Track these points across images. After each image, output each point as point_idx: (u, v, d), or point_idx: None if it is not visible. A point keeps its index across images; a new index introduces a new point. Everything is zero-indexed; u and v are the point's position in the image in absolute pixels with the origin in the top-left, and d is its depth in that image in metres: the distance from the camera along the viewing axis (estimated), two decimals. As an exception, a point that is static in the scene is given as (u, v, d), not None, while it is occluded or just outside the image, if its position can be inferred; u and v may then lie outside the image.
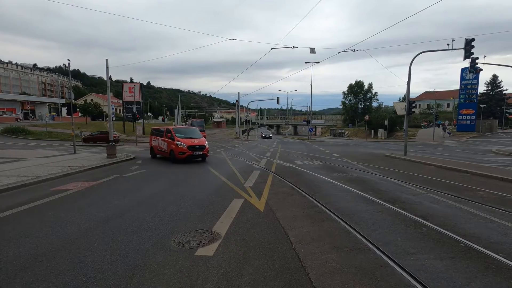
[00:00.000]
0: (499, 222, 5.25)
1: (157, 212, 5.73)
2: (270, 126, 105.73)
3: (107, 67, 18.06)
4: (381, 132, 50.15)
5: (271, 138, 51.63)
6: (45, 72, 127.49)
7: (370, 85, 71.39)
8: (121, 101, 50.45)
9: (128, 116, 42.18)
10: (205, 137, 16.63)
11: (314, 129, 66.48)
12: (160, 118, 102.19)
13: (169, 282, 3.17)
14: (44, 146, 26.03)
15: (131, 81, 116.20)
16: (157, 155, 16.10)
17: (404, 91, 73.82)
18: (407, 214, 5.69)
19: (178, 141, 13.88)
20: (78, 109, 55.44)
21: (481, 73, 42.17)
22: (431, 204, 6.51)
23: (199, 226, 4.94)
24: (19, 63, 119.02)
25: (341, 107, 78.05)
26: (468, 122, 43.13)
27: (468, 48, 16.00)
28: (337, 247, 4.13)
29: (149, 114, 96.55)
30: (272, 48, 22.51)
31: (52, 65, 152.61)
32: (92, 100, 79.51)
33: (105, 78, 24.76)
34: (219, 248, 4.07)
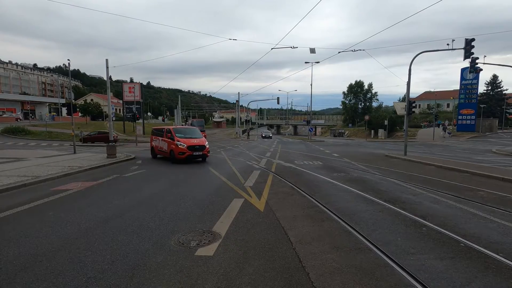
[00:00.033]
0: (499, 222, 5.25)
1: (157, 212, 5.73)
2: (270, 126, 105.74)
3: (107, 67, 18.07)
4: (381, 132, 50.15)
5: (271, 138, 51.63)
6: (45, 72, 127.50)
7: (370, 85, 71.44)
8: (121, 101, 50.44)
9: (128, 116, 42.18)
10: (205, 137, 16.58)
11: (314, 129, 66.48)
12: (160, 118, 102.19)
13: (169, 282, 3.17)
14: (44, 146, 26.03)
15: (131, 81, 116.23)
16: (158, 155, 16.04)
17: (404, 91, 73.77)
18: (407, 214, 5.69)
19: (178, 141, 13.78)
20: (78, 109, 55.43)
21: (481, 73, 42.20)
22: (431, 204, 6.51)
23: (199, 226, 4.94)
24: (19, 63, 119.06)
25: (341, 107, 78.05)
26: (468, 122, 43.13)
27: (468, 48, 16.00)
28: (337, 247, 4.13)
29: (149, 114, 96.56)
30: (272, 48, 22.53)
31: (52, 65, 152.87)
32: (92, 100, 79.50)
33: (105, 78, 24.77)
34: (219, 248, 4.07)
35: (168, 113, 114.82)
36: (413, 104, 22.71)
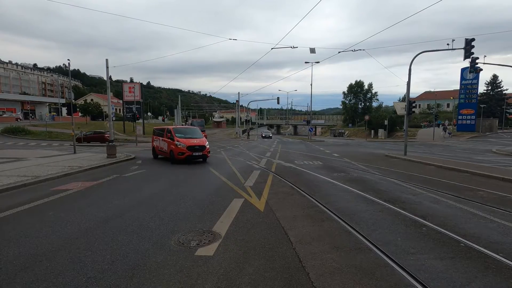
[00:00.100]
0: (499, 222, 5.25)
1: (157, 212, 5.73)
2: (270, 126, 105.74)
3: (107, 67, 18.07)
4: (381, 132, 50.16)
5: (271, 138, 51.64)
6: (45, 72, 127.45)
7: (370, 85, 71.44)
8: (121, 101, 50.41)
9: (128, 116, 42.15)
10: (206, 137, 16.51)
11: (314, 129, 66.49)
12: (160, 118, 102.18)
13: (169, 282, 3.17)
14: (44, 146, 26.03)
15: (131, 81, 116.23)
16: (159, 156, 15.89)
17: (404, 91, 73.79)
18: (407, 214, 5.69)
19: (178, 141, 13.63)
20: (78, 109, 55.40)
21: (481, 73, 42.23)
22: (431, 204, 6.51)
23: (199, 226, 4.95)
24: (19, 63, 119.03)
25: (341, 107, 78.04)
26: (468, 122, 43.13)
27: (468, 48, 16.01)
28: (337, 247, 4.13)
29: (149, 114, 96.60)
30: (272, 48, 22.54)
31: (52, 65, 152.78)
32: (92, 100, 79.55)
33: (105, 78, 24.77)
34: (219, 248, 4.07)
35: (168, 113, 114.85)
36: (413, 104, 22.72)
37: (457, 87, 45.37)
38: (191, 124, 39.62)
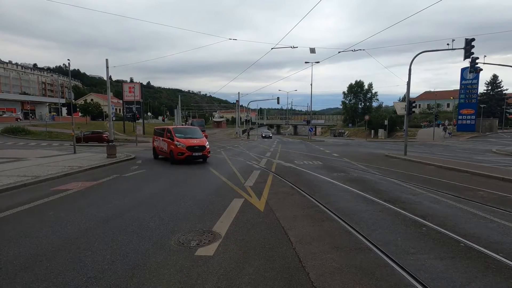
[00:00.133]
0: (499, 222, 5.25)
1: (157, 212, 5.74)
2: (270, 126, 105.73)
3: (107, 67, 18.08)
4: (381, 132, 50.16)
5: (271, 138, 51.65)
6: (45, 72, 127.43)
7: (370, 85, 71.45)
8: (121, 101, 50.41)
9: (128, 116, 42.14)
10: (206, 137, 16.43)
11: (314, 129, 66.49)
12: (160, 118, 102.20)
13: (169, 282, 3.17)
14: (44, 146, 26.02)
15: (131, 81, 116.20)
16: (159, 156, 15.75)
17: (404, 91, 73.87)
18: (407, 214, 5.69)
19: (177, 141, 13.49)
20: (78, 109, 55.38)
21: (481, 73, 42.23)
22: (431, 204, 6.51)
23: (199, 226, 4.95)
24: (19, 63, 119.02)
25: (341, 107, 78.05)
26: (468, 122, 43.14)
27: (468, 48, 16.00)
28: (337, 247, 4.13)
29: (149, 114, 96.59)
30: (272, 48, 22.55)
31: (52, 65, 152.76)
32: (92, 100, 79.55)
33: (105, 78, 24.78)
34: (219, 248, 4.07)
35: (168, 113, 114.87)
36: (413, 104, 22.72)
37: (457, 87, 45.40)
38: (191, 124, 39.64)
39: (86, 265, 3.54)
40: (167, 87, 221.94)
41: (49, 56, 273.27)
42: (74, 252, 3.89)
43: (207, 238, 4.40)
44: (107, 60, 17.96)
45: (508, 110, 60.97)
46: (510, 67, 23.58)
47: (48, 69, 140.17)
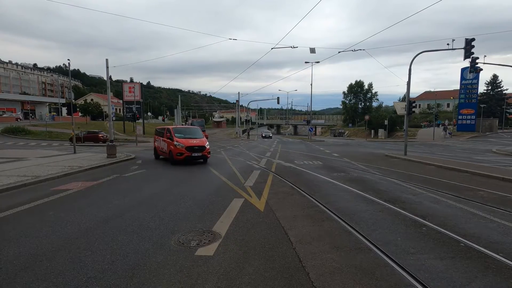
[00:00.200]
0: (499, 222, 5.25)
1: (157, 212, 5.74)
2: (270, 126, 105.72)
3: (107, 67, 18.07)
4: (381, 132, 50.16)
5: (271, 138, 51.65)
6: (45, 72, 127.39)
7: (370, 85, 71.39)
8: (121, 101, 50.45)
9: (128, 116, 42.17)
10: (206, 137, 16.25)
11: (314, 129, 66.49)
12: (160, 118, 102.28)
13: (169, 282, 3.17)
14: (44, 146, 26.04)
15: (131, 81, 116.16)
16: (160, 156, 15.42)
17: (404, 90, 73.87)
18: (407, 214, 5.69)
19: (177, 141, 13.29)
20: (78, 109, 55.42)
21: (481, 73, 42.25)
22: (431, 204, 6.51)
23: (199, 226, 4.95)
24: (19, 63, 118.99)
25: (341, 107, 78.01)
26: (468, 122, 43.14)
27: (468, 48, 16.00)
28: (337, 247, 4.13)
29: (149, 114, 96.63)
30: (272, 48, 22.54)
31: (52, 65, 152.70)
32: (92, 100, 79.58)
33: (105, 78, 24.78)
34: (219, 248, 4.07)
35: (168, 113, 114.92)
36: (413, 104, 22.73)
37: (457, 87, 45.40)
38: (191, 124, 39.60)
39: (86, 265, 3.54)
40: (167, 87, 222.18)
41: (49, 56, 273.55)
42: (74, 252, 3.89)
43: (207, 238, 4.40)
44: (107, 60, 17.96)
45: (508, 110, 60.96)
46: (510, 67, 23.58)
47: (48, 69, 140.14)
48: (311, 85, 44.02)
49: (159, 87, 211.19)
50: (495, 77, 61.60)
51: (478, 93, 47.26)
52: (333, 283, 3.17)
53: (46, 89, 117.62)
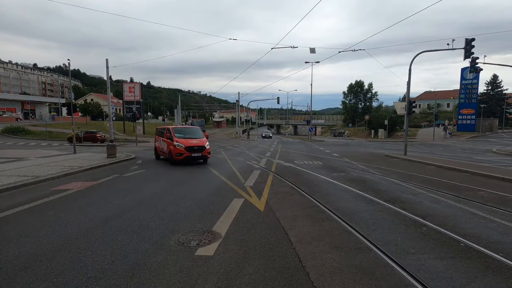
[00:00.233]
0: (499, 222, 5.25)
1: (157, 212, 5.74)
2: (270, 126, 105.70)
3: (107, 67, 18.07)
4: (381, 132, 50.16)
5: (271, 138, 51.66)
6: (45, 72, 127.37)
7: (370, 85, 71.39)
8: (121, 101, 50.48)
9: (128, 116, 42.18)
10: (207, 137, 16.15)
11: (314, 129, 66.49)
12: (160, 118, 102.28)
13: (169, 282, 3.17)
14: (44, 146, 26.03)
15: (131, 81, 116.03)
16: (161, 157, 15.25)
17: (404, 90, 73.87)
18: (407, 214, 5.69)
19: (176, 141, 13.08)
20: (78, 109, 55.42)
21: (481, 73, 42.26)
22: (431, 204, 6.51)
23: (199, 226, 4.95)
24: (19, 63, 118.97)
25: (341, 107, 78.00)
26: (468, 122, 43.13)
27: (468, 48, 16.00)
28: (337, 247, 4.13)
29: (149, 114, 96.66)
30: (272, 48, 22.53)
31: (52, 65, 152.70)
32: (92, 100, 79.59)
33: (105, 78, 24.78)
34: (219, 248, 4.07)
35: (168, 113, 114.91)
36: (413, 104, 22.72)
37: (457, 87, 45.38)
38: (191, 124, 39.60)
39: (86, 265, 3.54)
40: (167, 87, 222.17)
41: (49, 56, 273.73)
42: (74, 252, 3.89)
43: (207, 238, 4.40)
44: (107, 60, 17.96)
45: (508, 110, 60.95)
46: (510, 67, 23.56)
47: (48, 69, 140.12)
48: (311, 85, 44.04)
49: (159, 87, 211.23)
50: (495, 77, 61.62)
51: (478, 93, 47.26)
52: (333, 283, 3.17)
53: (46, 89, 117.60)
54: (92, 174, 10.60)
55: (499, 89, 61.28)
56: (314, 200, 6.75)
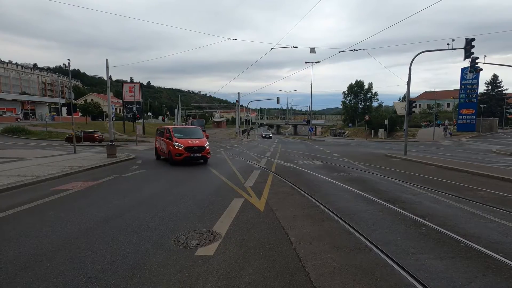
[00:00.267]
0: (499, 222, 5.25)
1: (157, 212, 5.74)
2: (270, 126, 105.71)
3: (107, 67, 18.07)
4: (381, 132, 50.16)
5: (271, 138, 51.66)
6: (45, 72, 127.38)
7: (370, 85, 71.42)
8: (121, 101, 50.50)
9: (128, 116, 42.19)
10: (207, 137, 16.07)
11: (314, 129, 66.49)
12: (160, 118, 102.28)
13: (169, 282, 3.17)
14: (44, 146, 26.04)
15: (131, 80, 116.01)
16: (161, 157, 14.95)
17: (404, 90, 73.89)
18: (407, 214, 5.69)
19: (176, 141, 12.95)
20: (78, 109, 55.46)
21: (481, 73, 42.25)
22: (431, 204, 6.51)
23: (199, 226, 4.95)
24: (19, 63, 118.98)
25: (341, 107, 78.01)
26: (468, 122, 43.12)
27: (468, 47, 15.99)
28: (337, 246, 4.13)
29: (149, 114, 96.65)
30: (272, 48, 22.53)
31: (52, 65, 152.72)
32: (92, 100, 79.61)
33: (105, 78, 24.77)
34: (219, 248, 4.07)
35: (168, 113, 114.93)
36: (413, 104, 22.71)
37: (457, 87, 45.37)
38: (192, 124, 39.59)
39: (86, 265, 3.54)
40: (167, 87, 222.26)
41: (49, 56, 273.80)
42: (74, 252, 3.89)
43: (207, 238, 4.40)
44: (107, 60, 17.96)
45: (508, 110, 60.97)
46: (510, 67, 23.56)
47: (48, 69, 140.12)
48: (311, 85, 44.06)
49: (159, 87, 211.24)
50: (495, 77, 61.64)
51: (478, 93, 47.26)
52: (333, 283, 3.17)
53: (46, 89, 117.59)
54: (92, 174, 10.60)
55: (499, 89, 61.29)
56: (314, 200, 6.74)
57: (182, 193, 7.49)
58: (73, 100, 20.13)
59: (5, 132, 35.98)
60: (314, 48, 25.30)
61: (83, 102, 69.82)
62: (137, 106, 40.09)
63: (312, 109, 64.21)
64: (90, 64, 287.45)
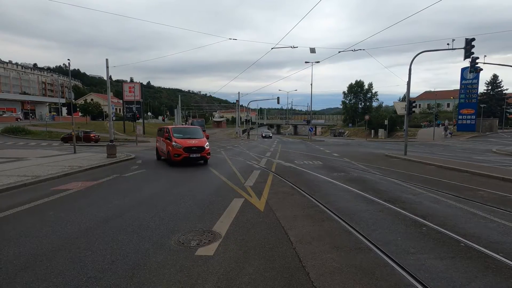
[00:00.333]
0: (499, 221, 5.25)
1: (157, 212, 5.74)
2: (270, 126, 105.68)
3: (107, 67, 18.05)
4: (381, 132, 50.16)
5: (271, 137, 51.66)
6: (45, 72, 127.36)
7: (370, 85, 71.39)
8: (121, 101, 50.48)
9: (128, 115, 42.18)
10: (207, 138, 15.99)
11: (314, 129, 66.50)
12: (160, 118, 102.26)
13: (169, 282, 3.17)
14: (44, 146, 26.03)
15: (131, 80, 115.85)
16: (162, 157, 14.73)
17: (404, 90, 73.89)
18: (407, 213, 5.69)
19: (175, 141, 12.78)
20: (78, 109, 55.42)
21: (481, 73, 42.25)
22: (431, 204, 6.51)
23: (199, 226, 4.95)
24: (19, 63, 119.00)
25: (341, 107, 78.01)
26: (468, 122, 43.10)
27: (468, 47, 15.99)
28: (337, 246, 4.13)
29: (149, 113, 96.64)
30: (272, 48, 22.51)
31: (52, 65, 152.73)
32: (92, 99, 79.53)
33: (105, 78, 24.76)
34: (219, 247, 4.07)
35: (168, 113, 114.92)
36: (413, 104, 22.70)
37: (457, 87, 45.33)
38: (192, 124, 39.59)
39: (86, 265, 3.54)
40: (167, 87, 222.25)
41: (49, 56, 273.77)
42: (74, 252, 3.89)
43: (207, 238, 4.40)
44: (107, 60, 17.94)
45: (508, 110, 60.98)
46: (510, 67, 23.55)
47: (48, 69, 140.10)
48: (311, 85, 44.08)
49: (159, 87, 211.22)
50: (495, 77, 61.66)
51: (478, 93, 47.25)
52: (333, 283, 3.17)
53: (46, 89, 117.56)
54: (92, 174, 10.60)
55: (499, 89, 61.31)
56: (314, 200, 6.74)
57: (182, 193, 7.49)
58: (73, 100, 20.13)
59: (5, 132, 35.97)
60: (314, 48, 25.30)
61: (83, 102, 69.75)
62: (137, 106, 40.06)
63: (312, 109, 64.22)
64: (90, 64, 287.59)
